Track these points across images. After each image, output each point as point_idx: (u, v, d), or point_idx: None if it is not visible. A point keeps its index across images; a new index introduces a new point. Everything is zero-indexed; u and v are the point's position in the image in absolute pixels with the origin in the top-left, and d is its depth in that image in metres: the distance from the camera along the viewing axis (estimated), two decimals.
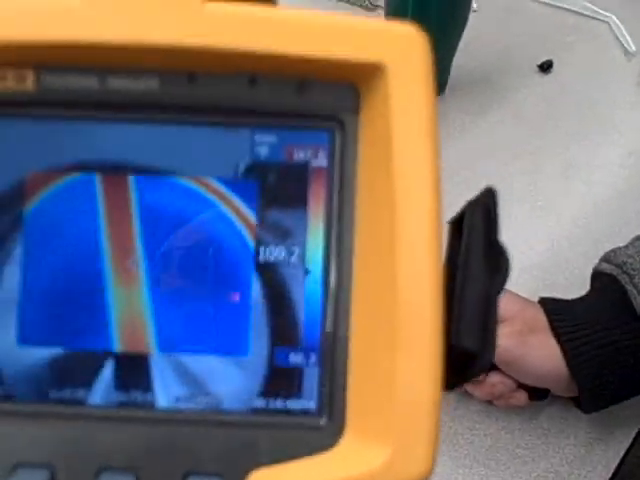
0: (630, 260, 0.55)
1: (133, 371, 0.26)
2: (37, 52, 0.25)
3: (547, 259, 0.70)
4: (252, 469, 0.24)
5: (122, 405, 0.25)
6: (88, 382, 0.25)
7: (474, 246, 0.26)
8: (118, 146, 0.26)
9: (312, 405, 0.25)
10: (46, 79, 0.25)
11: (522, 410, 0.59)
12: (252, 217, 0.26)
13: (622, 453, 0.58)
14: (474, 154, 0.78)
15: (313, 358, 0.26)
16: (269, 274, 0.26)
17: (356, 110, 0.26)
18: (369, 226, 0.25)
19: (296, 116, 0.26)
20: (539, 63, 0.86)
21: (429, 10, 0.74)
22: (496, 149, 0.79)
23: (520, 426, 0.59)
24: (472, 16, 0.80)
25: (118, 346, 0.26)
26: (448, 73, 0.83)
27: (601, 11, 0.91)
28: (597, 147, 0.79)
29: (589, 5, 0.92)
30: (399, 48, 0.24)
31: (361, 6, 0.93)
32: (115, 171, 0.26)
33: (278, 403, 0.25)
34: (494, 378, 0.57)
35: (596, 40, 0.90)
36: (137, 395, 0.25)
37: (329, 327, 0.25)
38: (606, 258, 0.58)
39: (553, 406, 0.60)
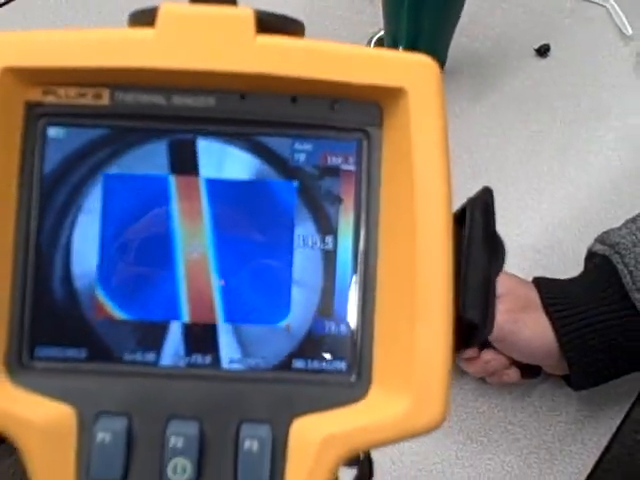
0: (622, 240, 0.56)
1: (200, 338, 0.30)
2: (113, 75, 0.29)
3: (541, 240, 0.71)
4: (295, 417, 0.29)
5: (188, 365, 0.30)
6: (159, 347, 0.30)
7: (475, 237, 0.30)
8: (180, 155, 0.30)
9: (343, 366, 0.30)
10: (119, 96, 0.30)
11: (515, 388, 0.61)
12: (293, 211, 0.30)
13: (613, 430, 0.59)
14: (471, 137, 0.79)
15: (344, 327, 0.30)
16: (308, 259, 0.30)
17: (380, 125, 0.30)
18: (392, 218, 0.30)
19: (329, 129, 0.30)
20: (536, 47, 0.87)
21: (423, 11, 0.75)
22: (492, 133, 0.79)
23: (512, 404, 0.60)
24: (470, 1, 0.81)
25: (187, 317, 0.30)
26: (445, 56, 0.83)
27: None
28: (592, 131, 0.80)
29: None
30: (416, 74, 0.29)
31: None
32: (184, 173, 0.30)
33: (315, 364, 0.30)
34: (488, 355, 0.58)
35: (593, 24, 0.91)
36: (199, 357, 0.30)
37: (358, 303, 0.30)
38: (599, 239, 0.59)
39: (545, 384, 0.61)
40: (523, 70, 0.86)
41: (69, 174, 0.30)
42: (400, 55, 0.29)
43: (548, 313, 0.56)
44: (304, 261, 0.30)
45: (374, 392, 0.29)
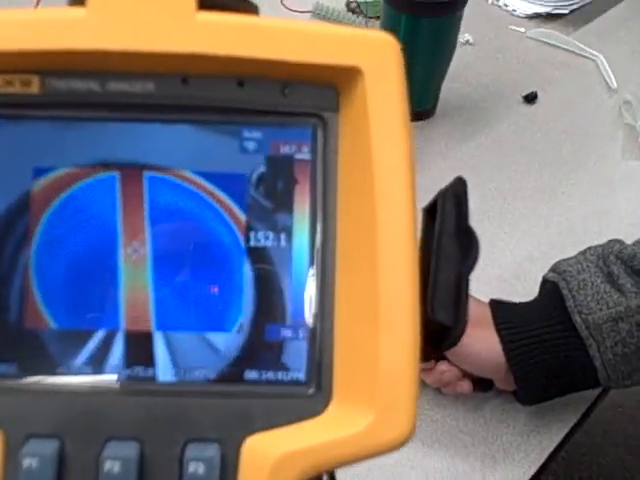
0: (569, 268, 0.62)
1: (136, 348, 0.27)
2: (42, 59, 0.26)
3: (508, 270, 0.76)
4: (248, 435, 0.26)
5: (126, 379, 0.27)
6: (94, 359, 0.27)
7: (446, 230, 0.28)
8: (117, 144, 0.28)
9: (301, 376, 0.27)
10: (50, 83, 0.27)
11: (469, 400, 0.66)
12: (242, 206, 0.28)
13: (555, 444, 0.64)
14: (453, 174, 0.85)
15: (301, 333, 0.27)
16: (259, 258, 0.28)
17: (336, 109, 0.28)
18: (350, 212, 0.27)
19: (281, 114, 0.28)
20: (524, 94, 0.93)
21: (418, 37, 0.82)
22: (474, 171, 0.86)
23: (465, 414, 0.65)
24: (467, 49, 0.88)
25: (124, 324, 0.27)
26: (437, 99, 0.91)
27: (589, 50, 0.99)
28: (569, 175, 0.86)
29: (579, 44, 0.99)
30: (374, 53, 0.26)
31: None
32: (129, 167, 0.28)
33: (269, 375, 0.27)
34: (442, 366, 0.63)
35: (582, 76, 0.98)
36: (140, 370, 0.27)
37: (315, 305, 0.27)
38: (552, 268, 0.65)
39: (497, 399, 0.66)
40: (510, 115, 0.92)
41: None
42: (356, 32, 0.27)
43: (498, 330, 0.61)
44: (254, 263, 0.28)
45: (335, 406, 0.27)
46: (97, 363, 0.27)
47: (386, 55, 0.26)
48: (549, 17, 1.04)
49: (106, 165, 0.28)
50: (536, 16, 1.04)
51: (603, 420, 1.56)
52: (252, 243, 0.28)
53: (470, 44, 0.98)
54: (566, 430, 0.65)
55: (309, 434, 0.26)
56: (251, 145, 0.28)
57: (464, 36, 0.96)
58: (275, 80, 0.27)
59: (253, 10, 0.28)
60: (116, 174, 0.27)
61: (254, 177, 0.28)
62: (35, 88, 0.27)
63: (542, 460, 0.63)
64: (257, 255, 0.28)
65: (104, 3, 0.26)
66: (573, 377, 0.62)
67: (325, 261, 0.27)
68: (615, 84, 0.95)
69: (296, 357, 0.27)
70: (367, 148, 0.26)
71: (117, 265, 0.27)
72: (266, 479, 0.25)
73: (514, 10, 1.05)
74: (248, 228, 0.28)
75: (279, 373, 0.27)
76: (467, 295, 0.28)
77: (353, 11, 1.02)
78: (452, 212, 0.28)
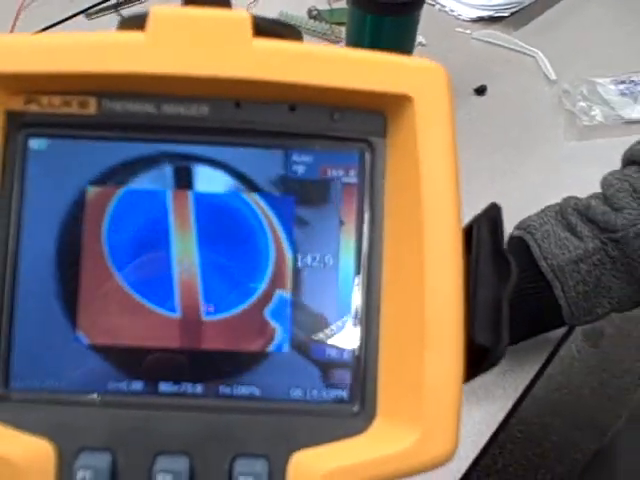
0: (533, 223, 0.70)
1: (189, 364, 0.28)
2: (100, 81, 0.27)
3: None
4: (294, 451, 0.26)
5: (177, 395, 0.27)
6: (146, 375, 0.27)
7: (483, 255, 0.28)
8: (169, 165, 0.28)
9: (345, 394, 0.28)
10: (106, 105, 0.28)
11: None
12: (288, 227, 0.28)
13: (528, 381, 0.72)
14: None
15: (346, 353, 0.28)
16: (305, 279, 0.28)
17: (383, 134, 0.28)
18: (397, 235, 0.27)
19: (330, 139, 0.28)
20: (475, 87, 1.03)
21: (382, 35, 0.90)
22: None
23: None
24: (421, 49, 0.96)
25: (176, 342, 0.28)
26: None
27: (529, 47, 1.09)
28: (518, 155, 0.95)
29: (520, 43, 1.09)
30: (423, 80, 0.27)
31: (327, 39, 1.10)
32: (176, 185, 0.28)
33: (314, 393, 0.28)
34: None
35: (524, 70, 1.07)
36: (189, 386, 0.28)
37: (360, 326, 0.28)
38: (516, 226, 0.73)
39: None
40: (464, 106, 1.00)
41: (53, 189, 0.28)
42: (405, 60, 0.27)
43: None
44: (301, 284, 0.28)
45: (378, 423, 0.27)
46: (148, 378, 0.27)
47: (435, 82, 0.27)
48: (491, 20, 1.13)
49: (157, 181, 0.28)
50: (479, 19, 1.13)
51: (551, 401, 1.66)
52: (299, 264, 0.28)
53: (423, 45, 1.06)
54: (537, 368, 0.73)
55: (354, 451, 0.26)
56: (300, 168, 0.28)
57: (418, 38, 1.05)
58: (325, 105, 0.28)
59: (298, 36, 0.29)
60: (167, 189, 0.28)
61: (302, 200, 0.28)
62: (92, 109, 0.28)
63: (518, 394, 0.71)
64: (304, 277, 0.28)
65: (163, 28, 0.26)
66: (542, 318, 0.70)
67: (371, 283, 0.28)
68: (554, 76, 1.04)
69: (340, 376, 0.28)
70: (415, 173, 0.26)
71: (172, 277, 0.28)
72: None
73: (459, 15, 1.15)
74: (294, 250, 0.28)
75: (324, 391, 0.28)
76: (507, 317, 0.28)
77: (315, 18, 1.09)
78: (488, 237, 0.28)
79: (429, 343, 0.26)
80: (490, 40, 1.10)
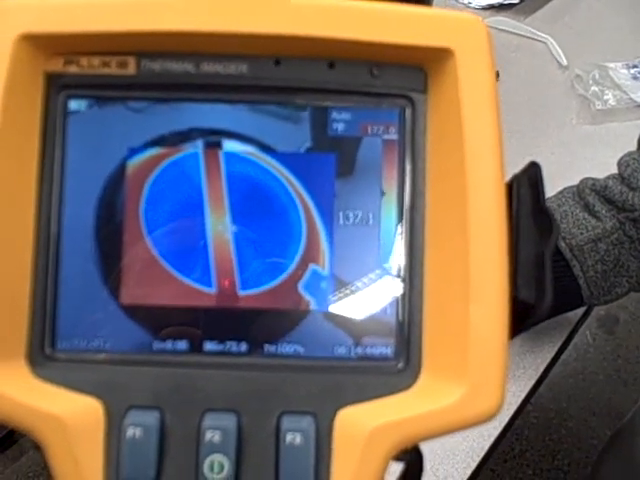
0: (551, 204, 0.70)
1: (232, 323, 0.28)
2: (138, 40, 0.26)
3: None
4: (340, 408, 0.26)
5: (223, 354, 0.27)
6: (191, 334, 0.28)
7: (524, 211, 0.28)
8: (211, 123, 0.28)
9: (390, 351, 0.28)
10: (146, 64, 0.27)
11: None
12: (330, 186, 0.28)
13: (548, 361, 0.73)
14: None
15: (390, 309, 0.28)
16: (347, 236, 0.28)
17: (424, 90, 0.28)
18: (440, 191, 0.27)
19: (369, 95, 0.28)
20: None
21: None
22: None
23: None
24: None
25: (213, 292, 0.28)
26: None
27: (540, 33, 1.10)
28: (532, 139, 0.96)
29: (530, 29, 1.10)
30: (464, 34, 0.26)
31: None
32: (210, 145, 0.28)
33: (359, 350, 0.28)
34: None
35: (535, 56, 1.09)
36: (234, 344, 0.28)
37: (404, 281, 0.28)
38: None
39: None
40: None
41: (94, 150, 0.28)
42: (445, 13, 0.27)
43: None
44: (344, 239, 0.28)
45: (424, 379, 0.27)
46: (193, 339, 0.28)
47: (476, 36, 0.26)
48: (502, 7, 1.14)
49: (189, 140, 0.28)
50: (490, 7, 1.15)
51: (567, 387, 1.67)
52: (340, 220, 0.28)
53: None
54: (556, 349, 0.75)
55: (400, 407, 0.26)
56: (340, 126, 0.28)
57: None
58: (364, 61, 0.28)
59: None
60: (198, 151, 0.28)
61: (343, 156, 0.28)
62: (131, 69, 0.27)
63: (538, 374, 0.72)
64: (345, 234, 0.28)
65: None
66: (561, 298, 0.71)
67: (413, 238, 0.28)
68: (565, 61, 1.05)
69: (385, 333, 0.28)
70: (457, 129, 0.26)
71: (206, 238, 0.28)
72: (360, 451, 0.25)
73: (469, 2, 1.16)
74: (336, 207, 0.28)
75: (367, 348, 0.28)
76: (549, 273, 0.28)
77: None
78: (527, 194, 0.28)
79: (474, 297, 0.25)
80: (501, 27, 1.11)
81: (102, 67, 0.27)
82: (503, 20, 1.11)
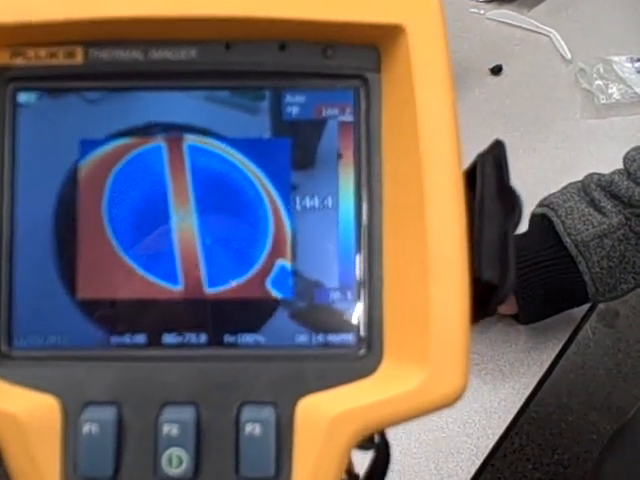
0: (555, 200, 0.70)
1: (191, 313, 0.27)
2: (85, 29, 0.26)
3: None
4: (301, 396, 0.26)
5: (180, 346, 0.27)
6: (148, 327, 0.27)
7: (488, 191, 0.27)
8: (162, 111, 0.28)
9: (351, 337, 0.27)
10: (93, 53, 0.27)
11: (474, 326, 0.73)
12: (287, 170, 0.27)
13: (552, 358, 0.73)
14: None
15: (350, 295, 0.27)
16: (305, 221, 0.27)
17: (378, 69, 0.27)
18: (396, 171, 0.27)
19: (323, 77, 0.27)
20: (491, 67, 1.03)
21: None
22: None
23: (474, 337, 0.73)
24: None
25: (179, 291, 0.27)
26: None
27: (543, 26, 1.09)
28: (536, 133, 0.96)
29: (534, 22, 1.09)
30: (415, 10, 0.26)
31: None
32: (172, 138, 0.27)
33: (320, 337, 0.27)
34: None
35: (539, 49, 1.08)
36: (192, 336, 0.27)
37: (363, 267, 0.27)
38: (539, 203, 0.74)
39: (500, 323, 0.74)
40: (480, 86, 1.01)
41: (46, 144, 0.27)
42: None
43: None
44: (304, 226, 0.27)
45: (386, 365, 0.27)
46: (150, 332, 0.27)
47: (428, 12, 0.26)
48: (504, 0, 1.14)
49: (150, 135, 0.28)
50: (493, 0, 1.14)
51: (567, 381, 1.66)
52: (298, 206, 0.27)
53: None
54: (560, 345, 0.74)
55: (362, 394, 0.26)
56: (294, 109, 0.28)
57: None
58: (316, 42, 0.27)
59: None
60: (162, 144, 0.27)
61: (299, 140, 0.28)
62: (79, 58, 0.27)
63: (542, 372, 0.72)
64: (303, 219, 0.27)
65: None
66: (566, 294, 0.70)
67: (372, 222, 0.27)
68: (569, 55, 1.05)
69: (345, 319, 0.27)
70: (412, 107, 0.26)
71: (171, 229, 0.27)
72: (322, 439, 0.25)
73: None
74: (293, 192, 0.27)
75: (329, 335, 0.27)
76: (513, 252, 0.27)
77: None
78: (492, 173, 0.28)
79: (433, 281, 0.25)
80: (504, 20, 1.10)
81: (49, 58, 0.27)
82: (506, 13, 1.11)
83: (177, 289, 0.27)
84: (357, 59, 0.27)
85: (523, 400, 0.70)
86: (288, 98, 0.28)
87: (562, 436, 1.58)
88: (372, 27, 0.26)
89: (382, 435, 0.31)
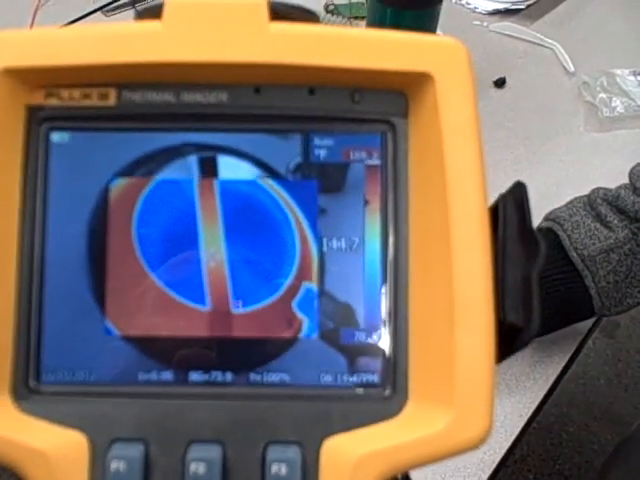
0: (562, 214, 0.70)
1: (218, 353, 0.28)
2: (119, 72, 0.27)
3: None
4: (326, 436, 0.26)
5: (207, 384, 0.27)
6: (175, 364, 0.27)
7: (510, 234, 0.28)
8: (191, 154, 0.28)
9: (376, 378, 0.27)
10: (126, 95, 0.27)
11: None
12: (314, 212, 0.28)
13: (558, 372, 0.73)
14: None
15: (375, 336, 0.28)
16: (331, 265, 0.28)
17: (405, 114, 0.28)
18: (422, 215, 0.27)
19: (351, 121, 0.28)
20: (494, 80, 1.03)
21: (402, 29, 0.91)
22: None
23: None
24: None
25: (205, 331, 0.28)
26: None
27: (547, 39, 1.09)
28: (540, 146, 0.96)
29: (537, 34, 1.10)
30: (443, 58, 0.26)
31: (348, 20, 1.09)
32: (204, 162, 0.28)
33: (345, 377, 0.28)
34: None
35: (542, 62, 1.08)
36: (219, 374, 0.27)
37: (389, 308, 0.27)
38: (545, 217, 0.74)
39: None
40: (483, 98, 1.01)
41: (76, 181, 0.28)
42: (424, 38, 0.27)
43: None
44: (328, 268, 0.28)
45: (411, 406, 0.27)
46: (178, 370, 0.27)
47: (456, 60, 0.27)
48: (508, 12, 1.14)
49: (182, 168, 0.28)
50: (496, 12, 1.14)
51: (567, 392, 1.67)
52: (325, 248, 0.28)
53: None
54: (566, 359, 0.74)
55: (387, 435, 0.26)
56: (322, 152, 0.28)
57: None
58: (345, 87, 0.28)
59: (316, 20, 0.29)
60: (193, 179, 0.28)
61: (325, 184, 0.28)
62: (112, 100, 0.28)
63: (549, 385, 0.72)
64: (329, 261, 0.28)
65: (179, 16, 0.26)
66: (572, 308, 0.70)
67: (398, 264, 0.28)
68: (572, 68, 1.05)
69: (371, 360, 0.27)
70: (439, 153, 0.26)
71: (200, 266, 0.28)
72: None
73: (476, 7, 1.15)
74: (319, 235, 0.28)
75: (354, 376, 0.27)
76: (537, 295, 0.27)
77: (332, 13, 1.10)
78: (514, 216, 0.28)
79: (459, 323, 0.25)
80: (507, 32, 1.10)
81: (83, 99, 0.27)
82: (509, 25, 1.11)
83: (205, 309, 0.28)
84: (385, 104, 0.28)
85: (529, 414, 0.70)
86: (316, 141, 0.28)
87: (563, 446, 1.58)
88: (400, 74, 0.27)
89: (406, 477, 0.32)
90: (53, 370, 0.27)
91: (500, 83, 1.02)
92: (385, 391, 0.27)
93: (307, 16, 0.29)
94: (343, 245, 0.28)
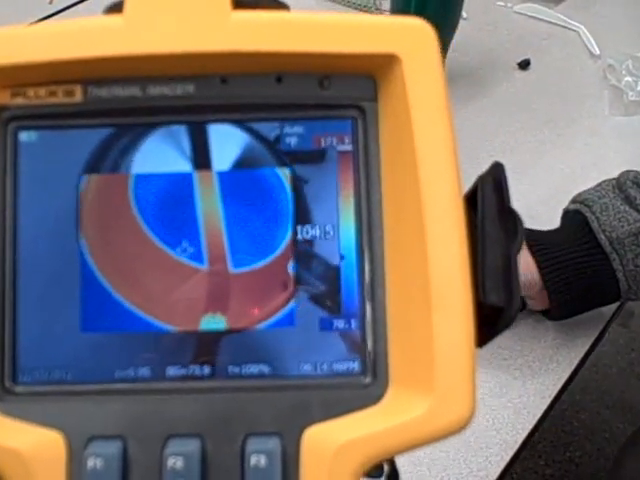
0: (590, 196, 0.70)
1: (194, 347, 0.27)
2: (84, 68, 0.26)
3: (522, 213, 0.84)
4: (306, 426, 0.26)
5: (185, 378, 0.27)
6: (152, 361, 0.27)
7: (489, 214, 0.27)
8: (160, 147, 0.28)
9: (356, 366, 0.27)
10: (92, 91, 0.27)
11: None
12: (287, 201, 0.28)
13: (582, 355, 0.72)
14: (462, 131, 0.93)
15: (354, 323, 0.27)
16: (308, 252, 0.28)
17: (374, 98, 0.28)
18: (396, 199, 0.27)
19: (320, 107, 0.28)
20: (518, 61, 1.02)
21: (428, 10, 0.90)
22: (481, 129, 0.94)
23: (503, 333, 0.73)
24: (462, 23, 0.96)
25: (175, 327, 0.27)
26: (444, 57, 0.98)
27: (571, 21, 1.08)
28: (565, 129, 0.95)
29: (562, 17, 1.09)
30: (410, 39, 0.26)
31: (367, 11, 1.09)
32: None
33: (324, 366, 0.27)
34: None
35: (567, 45, 1.07)
36: (197, 368, 0.27)
37: (367, 294, 0.27)
38: (572, 200, 0.73)
39: (529, 319, 0.74)
40: (507, 80, 1.01)
41: (46, 179, 0.27)
42: (390, 20, 0.27)
43: (532, 252, 0.69)
44: (303, 257, 0.28)
45: (392, 393, 0.27)
46: (154, 363, 0.27)
47: (422, 41, 0.26)
48: None
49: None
50: None
51: (580, 379, 1.65)
52: (299, 237, 0.28)
53: (464, 19, 1.06)
54: (589, 343, 0.74)
55: (368, 422, 0.26)
56: (293, 140, 0.28)
57: None
58: (313, 74, 0.27)
59: (285, 8, 0.29)
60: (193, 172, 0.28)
61: (297, 172, 0.28)
62: (78, 97, 0.27)
63: (572, 368, 0.72)
64: (306, 250, 0.28)
65: (140, 10, 0.26)
66: (598, 291, 0.70)
67: (373, 250, 0.27)
68: (597, 51, 1.05)
69: (350, 347, 0.27)
70: (409, 135, 0.26)
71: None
72: (327, 469, 0.25)
73: None
74: (294, 222, 0.28)
75: (334, 364, 0.27)
76: (517, 275, 0.27)
77: None
78: (492, 196, 0.28)
79: (436, 307, 0.25)
80: (532, 14, 1.09)
81: (49, 97, 0.27)
82: (534, 7, 1.10)
83: (203, 268, 0.28)
84: (354, 89, 0.28)
85: (553, 396, 0.69)
86: (286, 129, 0.28)
87: (574, 434, 1.58)
88: (367, 57, 0.26)
89: (391, 463, 0.31)
90: (29, 370, 0.27)
91: (524, 65, 1.02)
92: (365, 379, 0.27)
93: (276, 5, 0.28)
94: (317, 232, 0.28)
